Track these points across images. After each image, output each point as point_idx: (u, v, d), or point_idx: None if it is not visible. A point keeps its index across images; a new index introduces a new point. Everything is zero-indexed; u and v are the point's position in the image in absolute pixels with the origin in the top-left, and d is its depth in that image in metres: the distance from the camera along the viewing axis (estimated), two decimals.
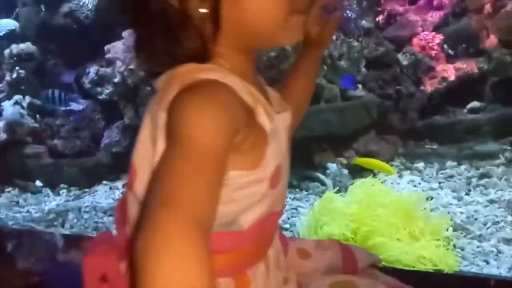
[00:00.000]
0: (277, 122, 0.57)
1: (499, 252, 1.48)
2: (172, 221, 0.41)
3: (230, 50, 0.57)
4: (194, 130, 0.47)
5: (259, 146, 0.54)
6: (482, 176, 2.04)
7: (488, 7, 2.29)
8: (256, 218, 0.57)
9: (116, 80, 2.43)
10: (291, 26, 0.56)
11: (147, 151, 0.53)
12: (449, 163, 2.21)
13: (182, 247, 0.39)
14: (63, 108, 2.60)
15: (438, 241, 1.36)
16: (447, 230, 1.48)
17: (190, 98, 0.50)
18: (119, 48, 2.37)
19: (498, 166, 2.10)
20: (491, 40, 2.27)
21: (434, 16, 2.54)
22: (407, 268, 1.29)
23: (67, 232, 2.07)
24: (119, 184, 2.50)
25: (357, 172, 2.12)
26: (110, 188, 2.49)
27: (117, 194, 2.41)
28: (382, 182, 1.64)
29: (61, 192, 2.54)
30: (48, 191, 2.57)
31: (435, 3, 2.57)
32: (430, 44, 2.43)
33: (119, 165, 2.57)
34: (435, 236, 1.38)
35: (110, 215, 2.18)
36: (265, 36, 0.56)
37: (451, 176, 2.11)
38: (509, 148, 2.16)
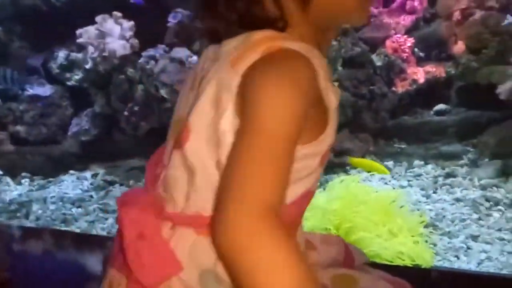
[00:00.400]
0: (337, 102, 0.59)
1: (468, 248, 1.57)
2: (249, 214, 0.44)
3: (305, 23, 0.56)
4: (272, 116, 0.48)
5: (322, 122, 0.55)
6: (448, 175, 2.15)
7: (457, 14, 2.39)
8: (298, 194, 0.58)
9: (87, 66, 2.33)
10: (364, 6, 0.58)
11: (206, 113, 0.53)
12: (417, 162, 2.31)
13: (261, 242, 0.44)
14: (29, 93, 2.46)
15: (415, 238, 1.42)
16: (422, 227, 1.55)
17: (271, 75, 0.50)
18: (92, 33, 2.27)
19: (462, 166, 2.22)
20: (459, 46, 2.38)
21: (406, 20, 2.63)
22: (386, 263, 1.34)
23: (32, 224, 1.97)
24: (87, 174, 2.41)
25: (329, 168, 2.17)
26: (78, 178, 2.39)
27: (86, 184, 2.32)
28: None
29: (23, 181, 2.41)
30: (8, 179, 2.44)
31: (407, 7, 2.66)
32: (402, 47, 2.52)
33: (87, 154, 2.47)
34: (412, 233, 1.44)
35: (78, 207, 2.10)
36: (344, 12, 0.57)
37: (419, 175, 2.20)
38: (471, 149, 2.29)
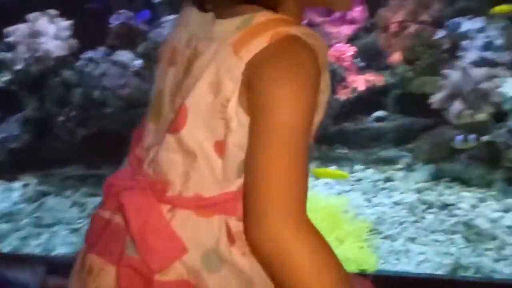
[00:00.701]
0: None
1: (407, 250, 1.66)
2: (288, 219, 0.49)
3: (293, 2, 0.56)
4: (290, 116, 0.50)
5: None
6: (387, 179, 2.25)
7: (394, 27, 2.52)
8: None
9: (18, 67, 2.17)
10: None
11: (204, 97, 0.54)
12: (358, 167, 2.40)
13: (300, 245, 0.49)
14: None
15: (360, 243, 1.47)
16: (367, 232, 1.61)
17: (282, 70, 0.51)
18: (23, 32, 2.11)
19: (399, 170, 2.34)
20: (396, 57, 2.51)
21: (347, 30, 2.73)
22: None
23: None
24: (17, 184, 2.23)
25: None
26: (6, 189, 2.21)
27: (15, 196, 2.15)
28: None
29: None
30: None
31: (348, 17, 2.76)
32: (344, 56, 2.60)
33: (17, 163, 2.29)
34: (357, 239, 1.49)
35: (7, 222, 1.94)
36: None
37: (360, 179, 2.29)
38: (407, 154, 2.42)
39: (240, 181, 0.54)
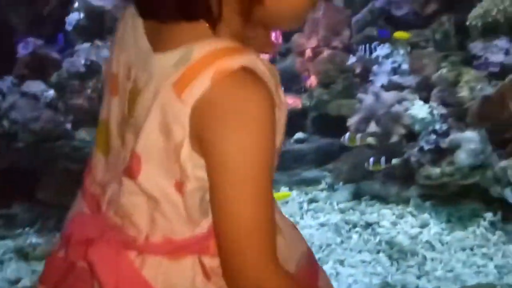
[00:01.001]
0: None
1: (337, 273, 1.69)
2: (268, 269, 0.50)
3: (237, 16, 0.53)
4: (249, 166, 0.50)
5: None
6: (311, 200, 2.31)
7: (308, 52, 2.63)
8: None
9: None
10: (302, 16, 0.57)
11: (155, 141, 0.53)
12: (282, 188, 2.43)
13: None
14: None
15: None
16: None
17: (232, 120, 0.50)
18: None
19: (322, 190, 2.41)
20: (312, 80, 2.61)
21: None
22: None
23: None
24: None
25: None
26: None
27: None
28: None
29: None
30: None
31: None
32: None
33: None
34: None
35: None
36: (282, 16, 0.55)
37: (286, 202, 2.32)
38: (328, 174, 2.52)
39: (208, 221, 0.54)
